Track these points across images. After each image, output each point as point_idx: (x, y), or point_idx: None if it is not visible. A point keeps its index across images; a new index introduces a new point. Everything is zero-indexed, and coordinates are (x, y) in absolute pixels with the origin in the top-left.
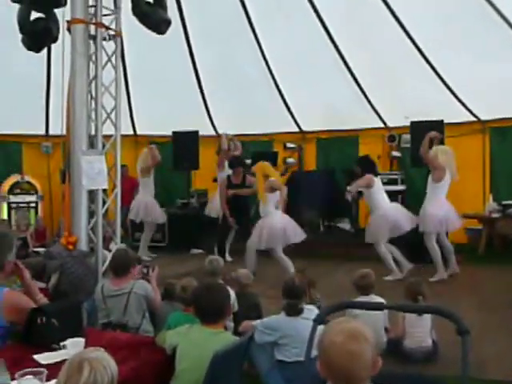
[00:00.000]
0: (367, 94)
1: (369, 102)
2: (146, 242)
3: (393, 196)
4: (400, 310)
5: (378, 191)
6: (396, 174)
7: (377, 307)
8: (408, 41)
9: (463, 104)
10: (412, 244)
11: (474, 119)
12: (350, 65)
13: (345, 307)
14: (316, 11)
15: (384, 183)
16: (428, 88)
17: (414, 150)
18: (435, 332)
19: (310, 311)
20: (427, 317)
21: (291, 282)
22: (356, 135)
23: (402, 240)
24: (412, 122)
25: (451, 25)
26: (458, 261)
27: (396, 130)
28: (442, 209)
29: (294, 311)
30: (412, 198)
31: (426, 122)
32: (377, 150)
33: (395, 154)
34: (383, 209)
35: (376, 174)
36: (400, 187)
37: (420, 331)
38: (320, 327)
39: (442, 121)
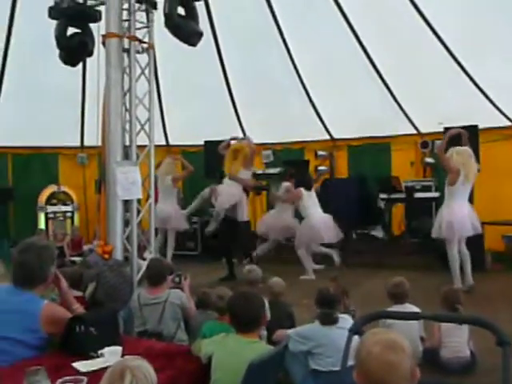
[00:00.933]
0: (399, 99)
1: (401, 108)
2: (172, 250)
3: (426, 203)
4: (438, 321)
5: (308, 204)
6: (430, 181)
7: (414, 317)
8: (440, 45)
9: (498, 109)
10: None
11: (510, 124)
12: (381, 71)
13: (381, 317)
14: (346, 17)
15: (417, 190)
16: (462, 93)
17: None
18: (473, 342)
19: (345, 320)
20: (465, 327)
21: (325, 291)
22: (388, 142)
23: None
24: (446, 128)
25: (482, 26)
26: (497, 269)
27: (429, 136)
28: (455, 214)
29: (328, 320)
30: None
31: (459, 127)
32: (410, 156)
33: (428, 160)
34: (310, 219)
35: (309, 188)
36: (434, 194)
37: (457, 341)
38: (355, 336)
39: (477, 126)
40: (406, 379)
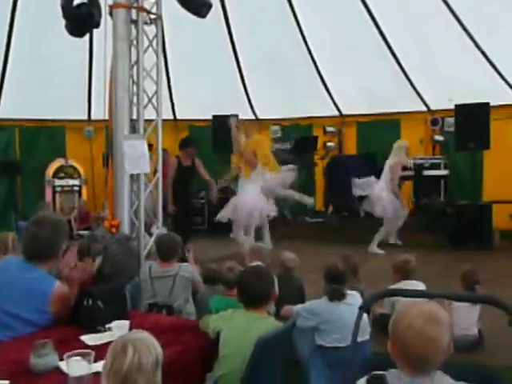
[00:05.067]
0: (409, 75)
1: (411, 84)
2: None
3: (435, 181)
4: (451, 299)
5: None
6: (439, 159)
7: (426, 296)
8: (452, 18)
9: (510, 86)
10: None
11: None
12: (392, 45)
13: (392, 295)
14: None
15: (426, 168)
16: (473, 69)
17: (458, 133)
18: (482, 321)
19: (353, 297)
20: (476, 306)
21: (334, 267)
22: (397, 119)
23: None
24: (456, 105)
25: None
26: (505, 247)
27: (439, 114)
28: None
29: (336, 296)
30: (455, 183)
31: (471, 104)
32: (419, 133)
33: (438, 138)
34: None
35: None
36: (443, 172)
37: (466, 319)
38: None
39: (488, 103)
40: (444, 352)
